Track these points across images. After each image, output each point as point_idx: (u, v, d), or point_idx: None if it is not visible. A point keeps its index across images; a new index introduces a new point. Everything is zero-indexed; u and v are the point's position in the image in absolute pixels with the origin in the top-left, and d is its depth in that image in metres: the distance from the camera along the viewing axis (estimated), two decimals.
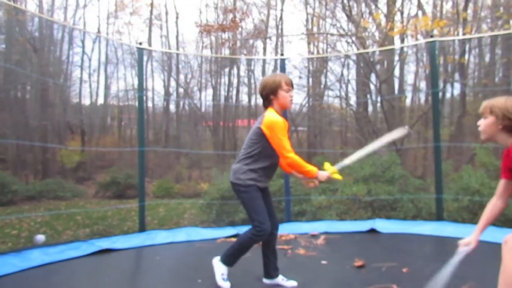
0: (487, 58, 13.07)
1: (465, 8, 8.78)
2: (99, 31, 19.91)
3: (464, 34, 8.29)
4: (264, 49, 17.85)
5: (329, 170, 2.82)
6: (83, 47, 18.57)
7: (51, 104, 15.36)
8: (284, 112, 6.16)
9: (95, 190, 13.69)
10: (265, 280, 3.12)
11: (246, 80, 19.18)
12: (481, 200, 5.47)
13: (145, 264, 3.91)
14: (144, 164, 5.48)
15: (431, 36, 5.38)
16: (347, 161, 2.89)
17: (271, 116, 2.81)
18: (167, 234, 4.79)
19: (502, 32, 9.13)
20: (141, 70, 5.96)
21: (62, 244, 4.26)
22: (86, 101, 19.55)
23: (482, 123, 2.30)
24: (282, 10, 16.62)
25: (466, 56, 10.77)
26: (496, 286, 2.09)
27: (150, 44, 19.98)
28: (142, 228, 5.17)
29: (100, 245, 4.16)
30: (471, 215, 5.56)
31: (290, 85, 2.91)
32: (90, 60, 18.95)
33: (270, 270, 3.08)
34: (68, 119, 16.38)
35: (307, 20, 16.18)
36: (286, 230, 4.86)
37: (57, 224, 8.11)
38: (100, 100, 20.19)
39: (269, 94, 2.88)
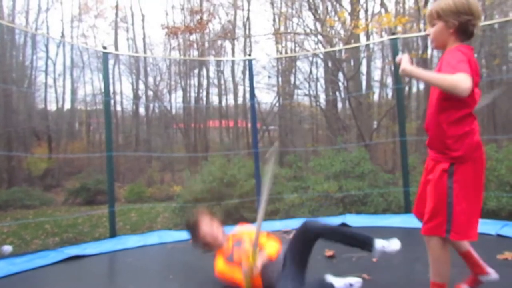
0: None
1: (426, 4, 9.00)
2: (63, 35, 19.50)
3: (425, 29, 8.51)
4: (233, 49, 17.88)
5: None
6: (47, 51, 18.18)
7: (15, 110, 14.92)
8: (253, 111, 6.12)
9: (64, 197, 13.41)
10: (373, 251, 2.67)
11: (216, 81, 19.17)
12: None
13: (116, 267, 3.87)
14: (113, 169, 5.39)
15: (393, 33, 5.50)
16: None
17: None
18: (138, 238, 4.72)
19: None
20: (106, 74, 5.81)
21: (30, 254, 4.15)
22: (52, 107, 19.16)
23: (432, 31, 2.08)
24: (249, 10, 16.68)
25: (429, 51, 11.06)
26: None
27: (116, 47, 19.70)
28: (113, 234, 5.08)
29: (69, 252, 4.08)
30: None
31: None
32: (54, 64, 18.56)
33: (364, 245, 2.67)
34: (34, 125, 15.97)
35: (274, 20, 16.29)
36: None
37: (25, 234, 7.90)
38: (67, 105, 19.80)
39: None
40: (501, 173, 5.37)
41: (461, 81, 1.77)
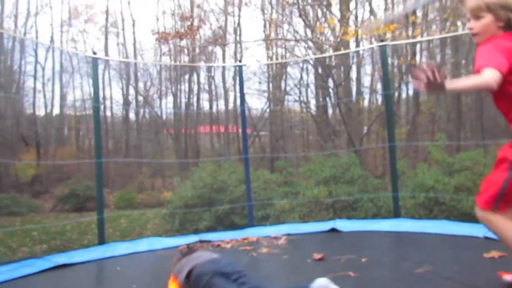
0: (438, 58, 13.61)
1: (414, 11, 9.12)
2: (52, 40, 19.35)
3: (413, 36, 8.61)
4: (223, 55, 17.89)
5: None
6: (36, 56, 18.03)
7: (2, 115, 14.77)
8: (243, 117, 6.15)
9: (52, 204, 13.27)
10: None
11: (206, 86, 19.16)
12: (435, 196, 5.66)
13: (104, 275, 3.83)
14: (102, 176, 5.34)
15: (382, 41, 5.56)
16: None
17: None
18: (127, 245, 4.67)
19: (450, 34, 9.51)
20: (96, 80, 5.77)
21: (16, 262, 4.09)
22: (41, 112, 18.95)
23: (479, 25, 2.03)
24: (239, 16, 16.72)
25: (418, 58, 11.17)
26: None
27: (106, 52, 19.61)
28: (101, 241, 5.02)
29: (57, 260, 4.02)
30: (427, 211, 5.75)
31: None
32: (43, 69, 18.40)
33: None
34: (22, 131, 15.81)
35: (264, 26, 16.34)
36: (249, 234, 4.88)
37: (11, 242, 7.79)
38: (56, 111, 19.62)
39: None
40: None
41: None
